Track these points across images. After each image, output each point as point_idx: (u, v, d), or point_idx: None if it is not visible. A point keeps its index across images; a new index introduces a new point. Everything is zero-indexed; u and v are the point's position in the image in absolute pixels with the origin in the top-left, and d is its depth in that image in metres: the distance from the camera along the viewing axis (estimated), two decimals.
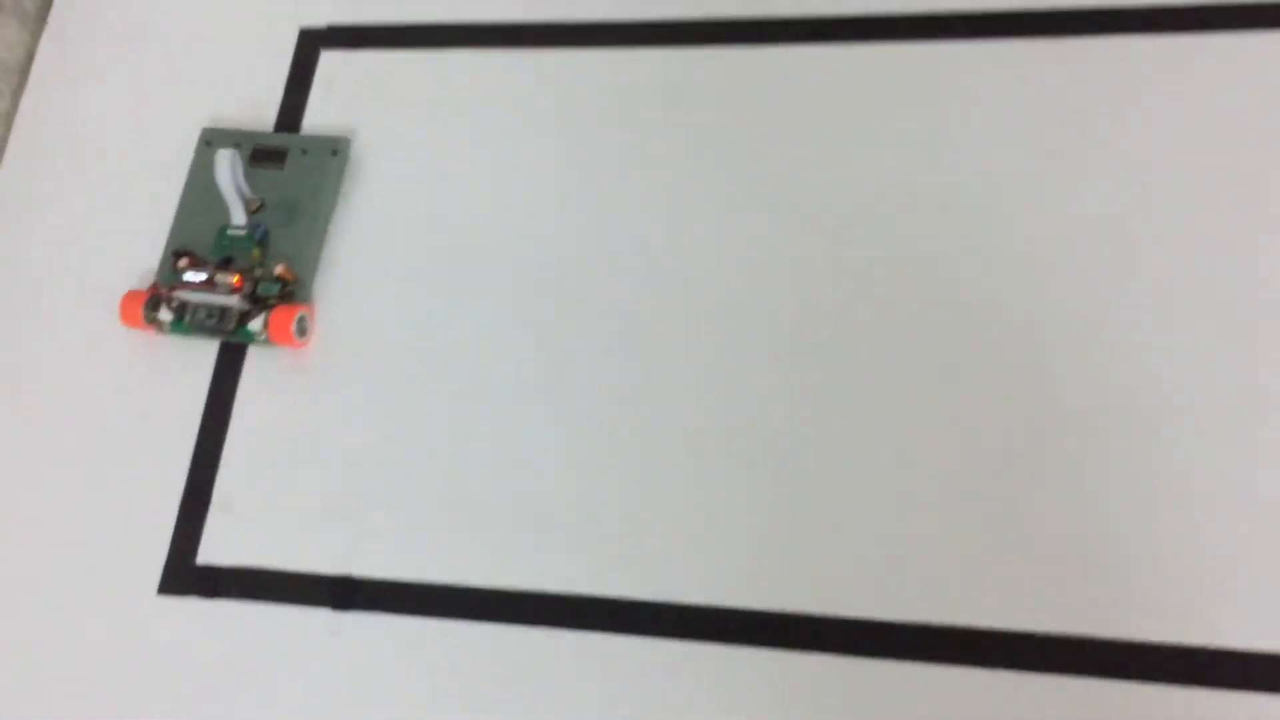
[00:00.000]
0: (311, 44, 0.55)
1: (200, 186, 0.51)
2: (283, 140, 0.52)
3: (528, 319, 0.48)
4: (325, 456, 0.48)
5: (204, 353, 0.50)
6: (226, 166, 0.48)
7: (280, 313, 0.48)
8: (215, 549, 0.47)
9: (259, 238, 0.49)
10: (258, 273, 0.49)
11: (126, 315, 0.50)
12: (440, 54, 0.53)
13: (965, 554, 0.42)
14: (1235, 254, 0.45)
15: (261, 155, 0.51)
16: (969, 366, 0.45)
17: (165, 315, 0.49)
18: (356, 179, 0.51)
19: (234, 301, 0.48)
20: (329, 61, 0.54)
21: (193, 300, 0.49)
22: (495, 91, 0.52)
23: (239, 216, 0.49)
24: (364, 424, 0.48)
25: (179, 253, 0.50)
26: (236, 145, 0.50)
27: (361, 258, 0.50)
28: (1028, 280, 0.46)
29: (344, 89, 0.54)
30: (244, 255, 0.49)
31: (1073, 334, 0.45)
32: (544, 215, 0.50)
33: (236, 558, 0.47)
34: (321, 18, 0.56)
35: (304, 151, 0.51)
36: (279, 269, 0.48)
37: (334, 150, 0.51)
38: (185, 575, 0.47)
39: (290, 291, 0.49)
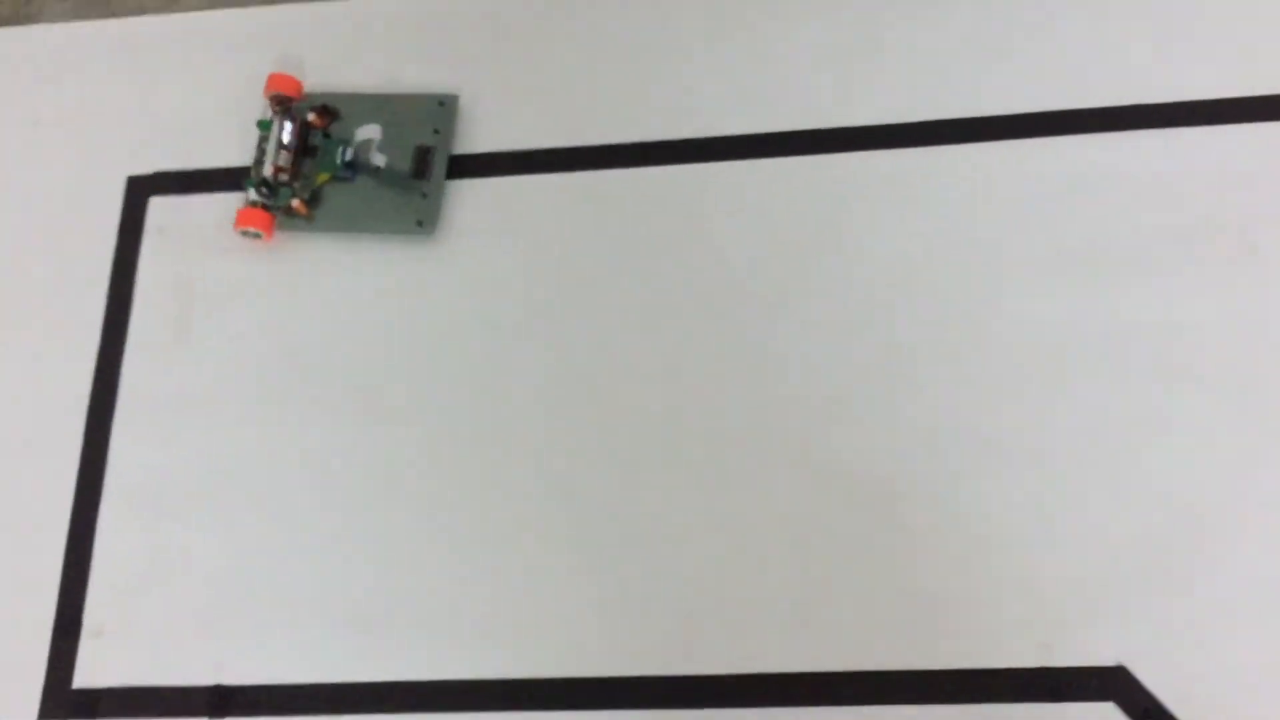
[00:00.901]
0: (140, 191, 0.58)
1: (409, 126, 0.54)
2: None
3: (357, 432, 0.53)
4: (191, 570, 0.52)
5: (65, 481, 0.54)
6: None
7: (253, 213, 0.52)
8: (91, 671, 0.51)
9: (338, 174, 0.53)
10: (299, 186, 0.53)
11: (268, 86, 0.54)
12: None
13: (770, 605, 0.48)
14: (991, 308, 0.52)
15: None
16: (763, 418, 0.51)
17: (268, 117, 0.54)
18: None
19: (267, 167, 0.52)
20: (159, 208, 0.58)
21: (273, 129, 0.53)
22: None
23: (349, 154, 0.53)
24: (226, 536, 0.52)
25: (323, 108, 0.54)
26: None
27: (218, 382, 0.55)
28: (822, 342, 0.52)
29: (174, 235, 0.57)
30: (317, 167, 0.53)
31: (871, 394, 0.51)
32: (358, 334, 0.54)
33: (113, 678, 0.51)
34: (150, 165, 0.59)
35: None
36: (296, 202, 0.52)
37: None
38: (63, 699, 0.51)
39: (275, 216, 0.53)
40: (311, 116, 0.53)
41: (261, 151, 0.53)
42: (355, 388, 0.54)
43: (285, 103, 0.53)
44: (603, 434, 0.52)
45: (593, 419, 0.52)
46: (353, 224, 0.52)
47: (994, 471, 0.49)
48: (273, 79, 0.54)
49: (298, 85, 0.54)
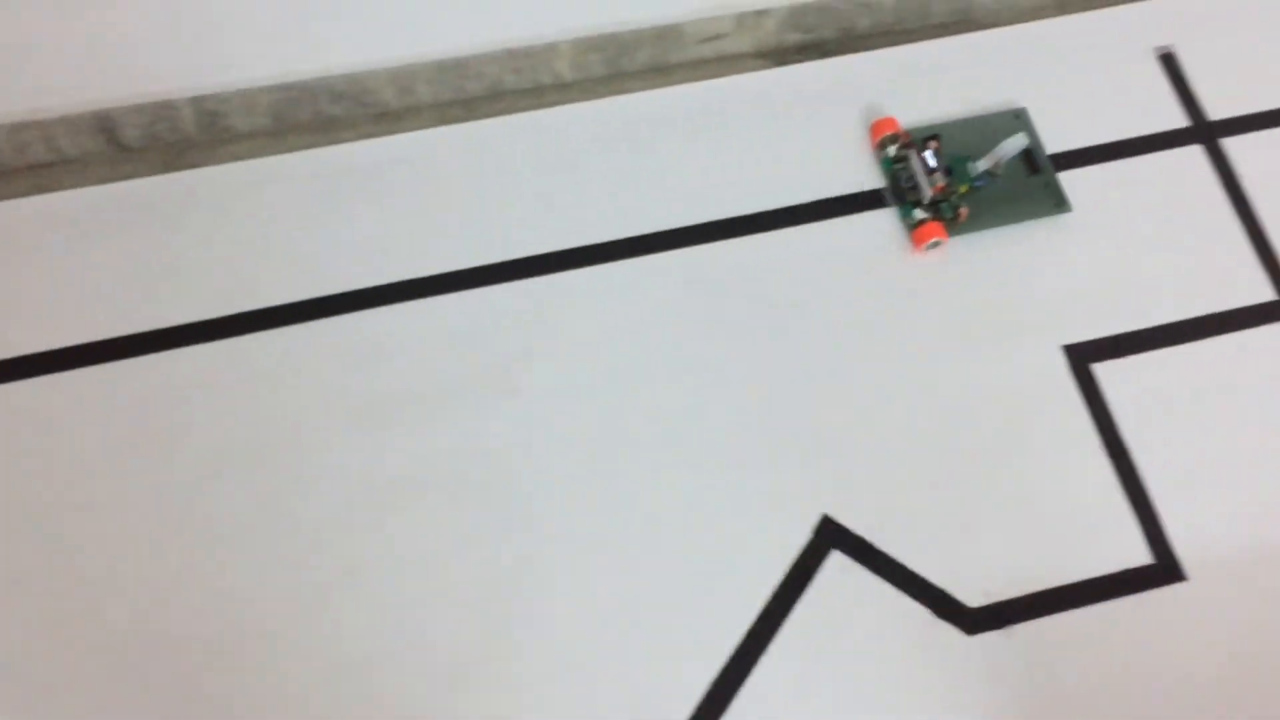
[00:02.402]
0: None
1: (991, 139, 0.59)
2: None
3: None
4: None
5: None
6: (1015, 145, 0.57)
7: (933, 226, 0.58)
8: None
9: (973, 183, 0.59)
10: (953, 199, 0.59)
11: (875, 131, 0.60)
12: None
13: None
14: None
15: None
16: None
17: (891, 151, 0.59)
18: None
19: (927, 189, 0.58)
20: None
21: (912, 161, 0.59)
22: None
23: (983, 165, 0.58)
24: None
25: (932, 136, 0.59)
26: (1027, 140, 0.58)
27: None
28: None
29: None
30: (957, 181, 0.59)
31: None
32: None
33: None
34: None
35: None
36: (963, 210, 0.58)
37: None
38: None
39: (946, 225, 0.58)
40: (931, 144, 0.59)
41: (897, 180, 0.59)
42: None
43: (900, 139, 0.60)
44: None
45: None
46: (1003, 218, 0.59)
47: (346, 598, 0.51)
48: (878, 125, 0.60)
49: (895, 123, 0.60)
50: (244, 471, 0.53)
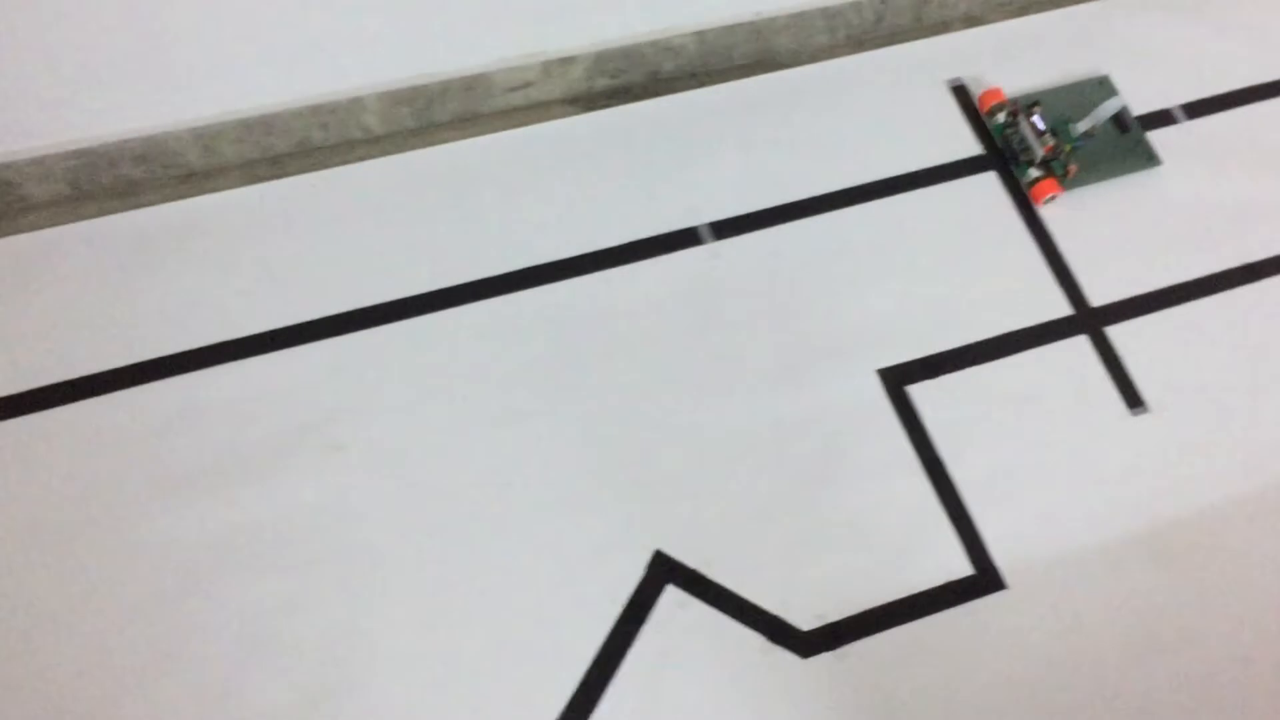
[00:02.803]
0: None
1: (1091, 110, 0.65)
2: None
3: None
4: None
5: None
6: (1113, 106, 0.64)
7: (1048, 183, 0.63)
8: None
9: (1075, 143, 0.65)
10: (1062, 156, 0.64)
11: (984, 101, 0.66)
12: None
13: None
14: None
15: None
16: None
17: (1000, 117, 0.65)
18: None
19: (1038, 150, 0.64)
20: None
21: (1021, 125, 0.64)
22: None
23: (1082, 126, 0.64)
24: None
25: (1035, 103, 0.65)
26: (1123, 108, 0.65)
27: None
28: None
29: None
30: (1063, 141, 0.65)
31: None
32: None
33: None
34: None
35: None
36: (1072, 167, 0.64)
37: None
38: None
39: (1058, 179, 0.64)
40: (1036, 109, 0.65)
41: (1008, 143, 0.65)
42: None
43: (1007, 107, 0.65)
44: None
45: None
46: (1106, 173, 0.65)
47: (166, 678, 0.49)
48: (985, 95, 0.66)
49: (1000, 93, 0.65)
50: (56, 549, 0.51)
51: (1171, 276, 0.62)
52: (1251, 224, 0.64)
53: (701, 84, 0.64)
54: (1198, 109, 0.68)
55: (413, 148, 0.61)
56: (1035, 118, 0.64)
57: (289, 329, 0.56)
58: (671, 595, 0.52)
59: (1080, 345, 0.60)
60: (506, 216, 0.59)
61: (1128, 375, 0.59)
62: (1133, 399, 0.58)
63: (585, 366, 0.57)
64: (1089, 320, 0.60)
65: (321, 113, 0.58)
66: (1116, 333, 0.60)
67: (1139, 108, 0.67)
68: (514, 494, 0.54)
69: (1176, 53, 0.69)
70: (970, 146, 0.65)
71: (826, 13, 0.65)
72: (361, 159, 0.60)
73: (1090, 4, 0.70)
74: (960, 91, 0.66)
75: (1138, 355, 0.60)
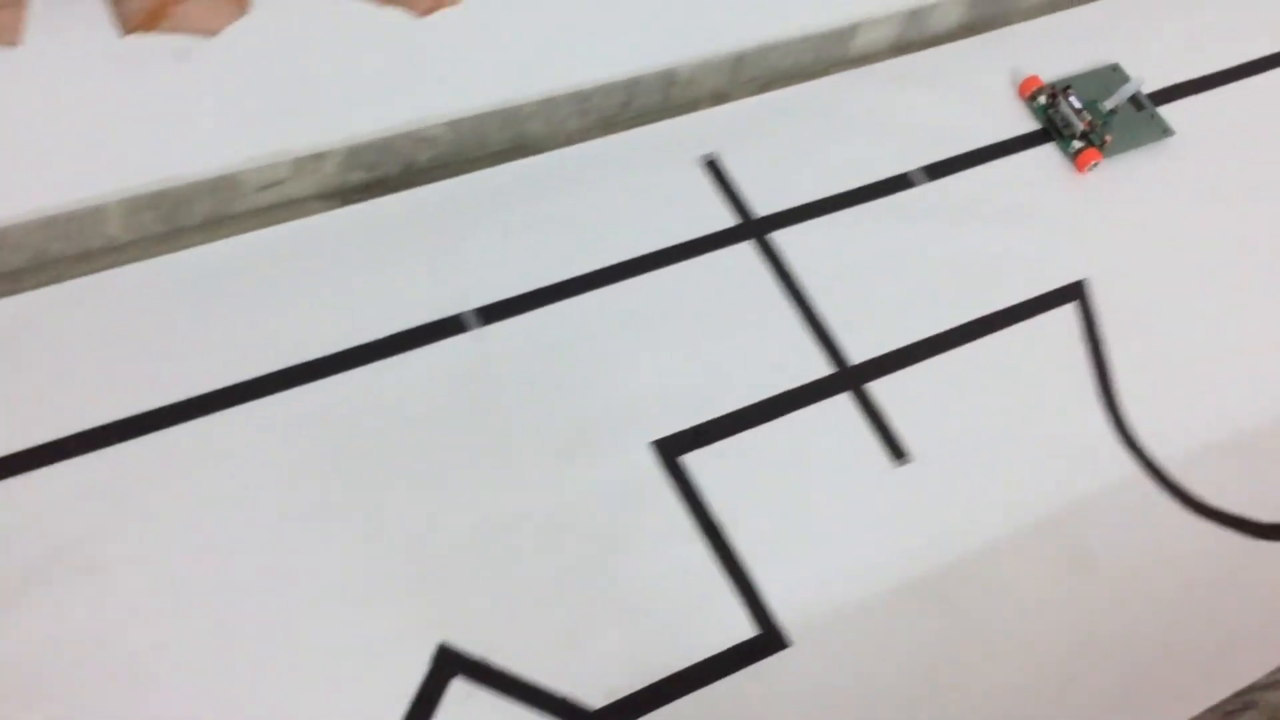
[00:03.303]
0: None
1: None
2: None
3: None
4: None
5: None
6: (1132, 87, 0.75)
7: (1090, 152, 0.74)
8: None
9: (1105, 119, 0.75)
10: (1098, 129, 0.74)
11: (1024, 87, 0.76)
12: None
13: None
14: None
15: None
16: None
17: (1042, 100, 0.76)
18: None
19: (1078, 125, 0.74)
20: None
21: (1062, 105, 0.75)
22: None
23: (1109, 104, 0.75)
24: None
25: (1069, 85, 0.76)
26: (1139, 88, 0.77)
27: None
28: None
29: None
30: (1097, 117, 0.75)
31: None
32: None
33: None
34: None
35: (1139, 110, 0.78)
36: (1108, 137, 0.74)
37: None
38: None
39: (1098, 148, 0.74)
40: (1070, 91, 0.75)
41: (1052, 121, 0.75)
42: None
43: (1046, 90, 0.76)
44: None
45: None
46: (1130, 144, 0.76)
47: None
48: (1025, 82, 0.76)
49: (1039, 80, 0.76)
50: None
51: (925, 329, 0.65)
52: (993, 275, 0.68)
53: (458, 173, 0.65)
54: (937, 170, 0.72)
55: (161, 253, 0.59)
56: (1072, 98, 0.75)
57: (37, 449, 0.53)
58: (459, 688, 0.51)
59: (843, 403, 0.62)
60: (265, 316, 0.58)
61: (889, 428, 0.61)
62: (896, 451, 0.61)
63: (359, 461, 0.56)
64: (849, 378, 0.62)
65: (59, 224, 0.56)
66: (877, 388, 0.62)
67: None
68: (291, 597, 0.52)
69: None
70: (724, 219, 0.67)
71: (576, 97, 0.66)
72: (105, 268, 0.58)
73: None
74: (712, 165, 0.68)
75: (899, 408, 0.62)
